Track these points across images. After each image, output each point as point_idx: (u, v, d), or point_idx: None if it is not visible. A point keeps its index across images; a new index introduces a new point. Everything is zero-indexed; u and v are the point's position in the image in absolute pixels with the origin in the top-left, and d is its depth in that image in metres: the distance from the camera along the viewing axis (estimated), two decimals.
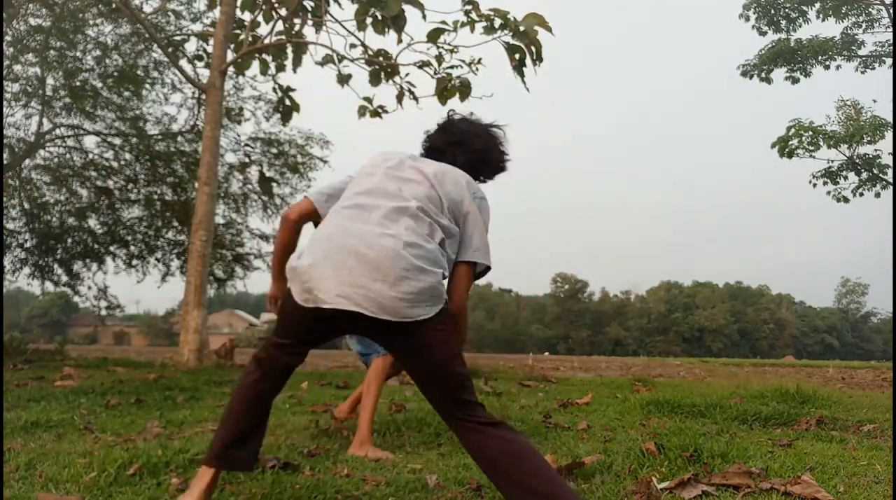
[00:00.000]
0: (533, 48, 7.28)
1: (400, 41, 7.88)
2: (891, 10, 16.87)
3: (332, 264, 1.74)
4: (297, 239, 2.08)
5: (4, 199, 12.72)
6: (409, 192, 1.91)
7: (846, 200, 17.81)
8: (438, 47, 7.86)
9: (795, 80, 18.25)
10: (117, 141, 13.53)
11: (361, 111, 8.84)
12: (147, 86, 12.88)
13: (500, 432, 1.73)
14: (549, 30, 7.09)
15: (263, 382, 1.91)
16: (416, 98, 8.56)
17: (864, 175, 17.52)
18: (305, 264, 1.77)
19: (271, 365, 1.91)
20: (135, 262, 14.26)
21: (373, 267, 1.72)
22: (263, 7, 8.87)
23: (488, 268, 2.04)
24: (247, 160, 13.64)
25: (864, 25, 17.55)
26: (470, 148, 2.17)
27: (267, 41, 8.91)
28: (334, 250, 1.77)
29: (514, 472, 1.65)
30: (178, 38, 12.11)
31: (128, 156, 13.69)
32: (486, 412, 1.79)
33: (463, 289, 2.01)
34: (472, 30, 7.57)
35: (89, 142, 13.52)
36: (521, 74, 7.35)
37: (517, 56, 7.34)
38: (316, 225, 2.02)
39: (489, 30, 7.44)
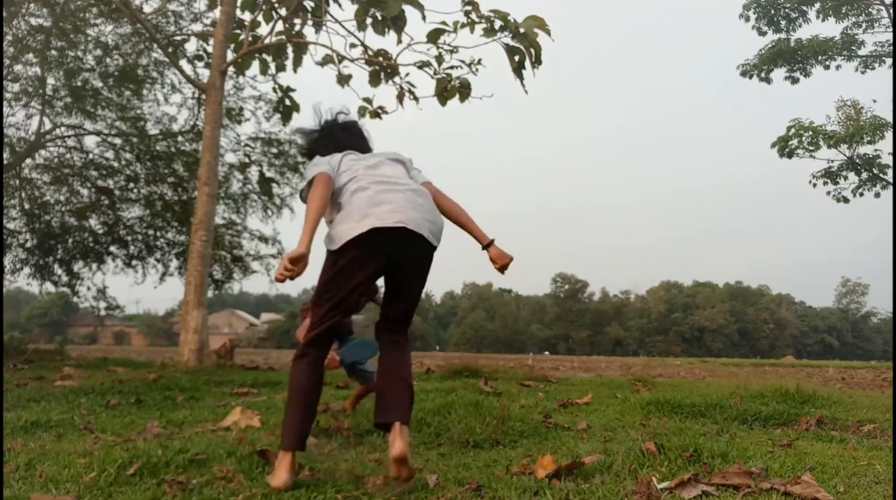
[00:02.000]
0: (532, 50, 7.28)
1: (400, 41, 7.87)
2: (891, 10, 16.87)
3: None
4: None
5: (4, 199, 12.72)
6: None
7: (846, 200, 17.81)
8: (438, 48, 7.86)
9: (795, 81, 18.24)
10: (118, 141, 13.53)
11: (361, 112, 8.84)
12: (147, 86, 12.88)
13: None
14: (549, 33, 7.09)
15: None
16: (416, 98, 8.56)
17: (864, 175, 17.51)
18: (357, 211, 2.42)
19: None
20: (134, 262, 14.26)
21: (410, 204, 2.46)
22: (263, 7, 8.87)
23: None
24: (247, 160, 13.64)
25: (864, 25, 17.55)
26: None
27: (267, 41, 8.91)
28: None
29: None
30: (178, 38, 12.11)
31: (128, 156, 13.68)
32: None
33: None
34: (472, 31, 7.56)
35: (90, 142, 13.55)
36: (521, 77, 7.35)
37: (517, 58, 7.34)
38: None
39: (489, 31, 7.44)
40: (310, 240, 2.36)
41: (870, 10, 17.29)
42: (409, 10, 7.59)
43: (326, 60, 8.69)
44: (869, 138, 16.41)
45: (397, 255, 2.43)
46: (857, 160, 17.37)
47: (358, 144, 2.84)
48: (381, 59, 8.40)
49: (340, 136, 2.85)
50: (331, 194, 2.49)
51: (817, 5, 17.38)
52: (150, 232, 14.22)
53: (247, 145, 13.60)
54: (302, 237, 2.34)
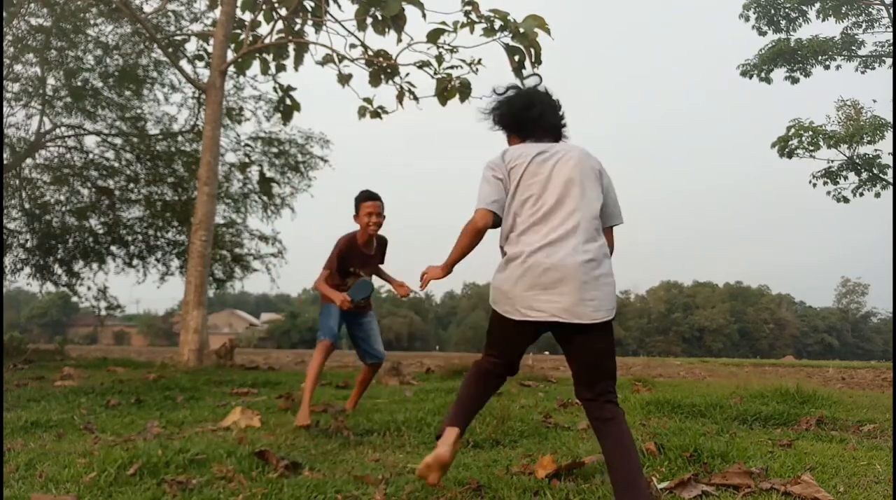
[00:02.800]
0: (532, 50, 7.28)
1: (400, 41, 7.88)
2: (891, 10, 16.86)
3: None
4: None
5: (4, 199, 12.72)
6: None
7: (846, 200, 17.82)
8: (438, 47, 7.86)
9: (795, 81, 18.24)
10: (118, 141, 13.54)
11: (361, 112, 8.83)
12: (147, 86, 12.89)
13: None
14: (549, 32, 7.10)
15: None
16: (416, 98, 8.56)
17: (864, 175, 17.51)
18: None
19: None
20: (135, 262, 14.27)
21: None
22: (264, 7, 8.88)
23: None
24: (247, 160, 13.65)
25: (864, 25, 17.54)
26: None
27: (267, 41, 8.91)
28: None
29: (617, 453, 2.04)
30: (178, 38, 12.11)
31: (128, 156, 13.69)
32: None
33: None
34: (472, 31, 7.56)
35: (90, 142, 13.56)
36: (521, 76, 7.35)
37: (517, 58, 7.34)
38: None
39: (489, 31, 7.45)
40: (448, 269, 2.34)
41: (870, 10, 17.29)
42: (410, 10, 7.60)
43: (327, 60, 8.69)
44: (869, 138, 16.42)
45: (555, 334, 2.23)
46: (857, 160, 17.38)
47: (554, 124, 2.47)
48: (381, 59, 8.41)
49: (544, 114, 2.45)
50: (480, 241, 2.29)
51: (817, 5, 17.37)
52: (151, 232, 14.22)
53: (247, 145, 13.62)
54: (447, 259, 2.32)
